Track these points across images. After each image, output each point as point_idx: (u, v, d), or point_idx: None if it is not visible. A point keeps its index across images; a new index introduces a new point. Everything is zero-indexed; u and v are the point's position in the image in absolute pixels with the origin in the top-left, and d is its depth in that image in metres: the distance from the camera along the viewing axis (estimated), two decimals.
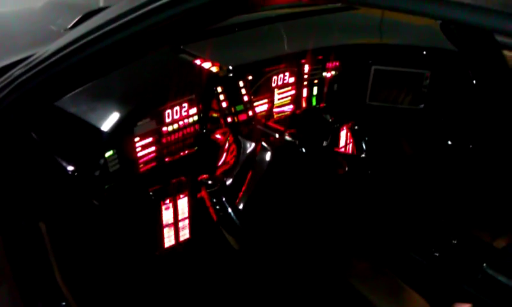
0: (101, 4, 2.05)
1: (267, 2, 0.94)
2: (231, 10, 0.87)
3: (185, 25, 0.95)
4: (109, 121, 1.17)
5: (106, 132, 1.14)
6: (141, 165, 1.24)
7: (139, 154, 1.23)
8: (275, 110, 1.52)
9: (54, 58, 1.04)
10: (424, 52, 1.61)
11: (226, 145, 1.35)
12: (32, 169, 1.19)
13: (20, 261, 1.23)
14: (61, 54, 1.03)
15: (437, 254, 1.47)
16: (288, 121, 1.52)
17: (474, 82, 1.61)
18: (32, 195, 1.22)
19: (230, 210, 1.19)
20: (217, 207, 1.19)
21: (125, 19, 0.92)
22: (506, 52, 1.59)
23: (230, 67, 1.37)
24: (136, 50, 1.06)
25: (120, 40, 0.98)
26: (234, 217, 1.19)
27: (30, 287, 1.26)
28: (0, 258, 1.22)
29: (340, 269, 1.50)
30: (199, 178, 1.28)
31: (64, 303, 1.32)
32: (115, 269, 1.34)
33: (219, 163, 1.35)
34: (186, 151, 1.32)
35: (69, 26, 1.56)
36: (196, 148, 1.34)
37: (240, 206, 1.20)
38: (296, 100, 1.55)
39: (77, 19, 1.57)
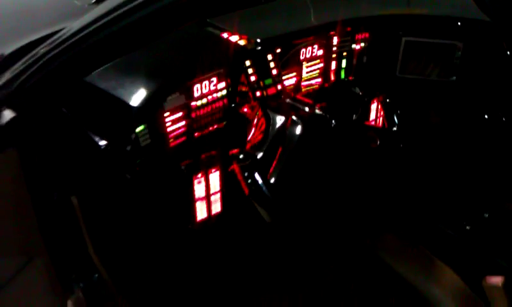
0: None
1: None
2: None
3: None
4: (139, 96, 1.20)
5: (136, 107, 1.17)
6: (171, 140, 1.27)
7: (169, 129, 1.26)
8: (303, 83, 1.54)
9: (80, 34, 1.06)
10: (458, 23, 1.59)
11: (255, 119, 1.37)
12: (63, 144, 1.23)
13: (53, 234, 1.29)
14: (88, 30, 1.06)
15: (468, 228, 1.49)
16: (317, 94, 1.54)
17: (508, 53, 1.58)
18: (64, 170, 1.26)
19: (261, 183, 1.21)
20: (249, 181, 1.21)
21: None
22: None
23: (258, 40, 1.37)
24: (165, 25, 1.08)
25: (149, 14, 1.00)
26: (266, 191, 1.21)
27: (63, 260, 1.32)
28: (34, 232, 1.27)
29: (369, 242, 1.53)
30: (230, 153, 1.30)
31: (97, 275, 1.38)
32: (147, 243, 1.39)
33: (249, 137, 1.37)
34: (215, 126, 1.35)
35: (93, 1, 1.57)
36: (225, 122, 1.37)
37: (272, 180, 1.22)
38: (325, 72, 1.57)
39: None
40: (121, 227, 1.35)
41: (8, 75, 1.17)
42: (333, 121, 1.32)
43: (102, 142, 1.14)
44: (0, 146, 1.17)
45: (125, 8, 1.02)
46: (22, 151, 1.18)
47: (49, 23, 1.38)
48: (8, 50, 1.28)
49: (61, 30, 1.18)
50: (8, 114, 1.16)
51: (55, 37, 1.12)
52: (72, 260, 1.37)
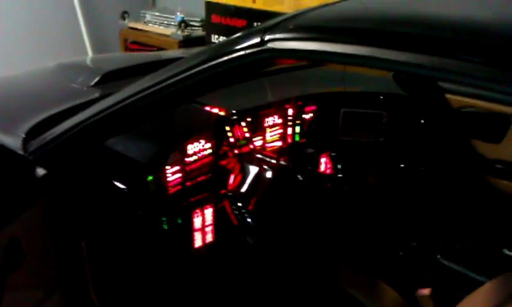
0: (92, 65, 2.25)
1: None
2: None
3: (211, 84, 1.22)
4: (149, 153, 1.46)
5: (147, 162, 1.44)
6: (170, 187, 1.51)
7: (169, 179, 1.50)
8: (268, 145, 1.77)
9: (96, 118, 1.28)
10: (381, 97, 1.88)
11: (235, 170, 1.63)
12: (84, 193, 1.44)
13: (66, 274, 1.46)
14: (102, 114, 1.28)
15: (401, 253, 1.71)
16: (278, 153, 1.76)
17: (422, 120, 1.88)
18: (79, 217, 1.46)
19: (245, 212, 1.50)
20: (236, 212, 1.51)
21: (164, 84, 1.17)
22: (448, 95, 1.85)
23: (234, 111, 1.63)
24: (164, 108, 1.32)
25: (152, 102, 1.23)
26: (249, 219, 1.50)
27: (71, 299, 1.48)
28: (53, 271, 1.45)
29: (328, 269, 1.72)
30: (221, 192, 1.58)
31: None
32: (147, 279, 1.56)
33: (230, 182, 1.62)
34: (203, 177, 1.57)
35: (91, 84, 1.77)
36: (211, 174, 1.59)
37: (253, 210, 1.50)
38: (283, 136, 1.81)
39: (98, 78, 1.80)
40: (121, 264, 1.52)
41: (40, 141, 1.40)
42: (294, 170, 1.59)
43: (123, 186, 1.39)
44: (35, 198, 1.38)
45: (134, 98, 1.23)
46: (49, 201, 1.39)
47: (55, 103, 1.56)
48: (30, 122, 1.48)
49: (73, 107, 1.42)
50: (41, 171, 1.38)
51: (79, 114, 1.34)
52: (77, 298, 1.52)
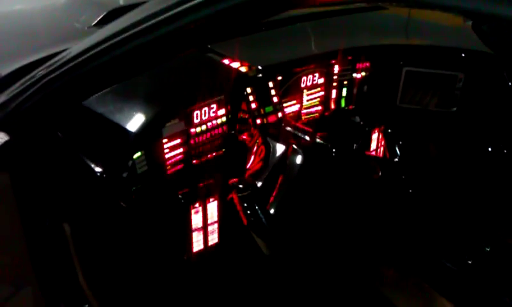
0: (121, 2, 2.08)
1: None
2: (272, 8, 0.86)
3: (219, 24, 0.93)
4: (137, 122, 1.18)
5: (134, 133, 1.15)
6: (169, 167, 1.24)
7: (167, 156, 1.24)
8: (304, 111, 1.54)
9: (80, 58, 1.04)
10: (460, 54, 1.61)
11: (255, 147, 1.36)
12: (58, 169, 1.20)
13: (43, 262, 1.26)
14: (88, 54, 1.03)
15: (470, 262, 1.46)
16: (317, 123, 1.54)
17: (510, 85, 1.59)
18: (57, 195, 1.23)
19: (261, 214, 1.18)
20: (248, 212, 1.19)
21: (157, 19, 0.92)
22: None
23: (260, 67, 1.37)
24: (167, 51, 1.06)
25: (150, 41, 0.98)
26: (265, 222, 1.18)
27: (52, 289, 1.29)
28: (24, 259, 1.24)
29: (369, 276, 1.51)
30: (230, 182, 1.27)
31: (87, 305, 1.34)
32: (141, 273, 1.36)
33: (248, 165, 1.35)
34: (214, 153, 1.33)
35: (93, 23, 1.60)
36: (224, 149, 1.35)
37: (272, 211, 1.20)
38: (325, 101, 1.57)
39: (101, 17, 1.61)
40: (114, 256, 1.31)
41: (3, 97, 1.16)
42: (334, 151, 1.30)
43: (98, 169, 1.11)
44: None
45: (126, 34, 1.00)
46: (14, 175, 1.15)
47: (49, 44, 1.39)
48: (5, 71, 1.27)
49: (60, 52, 1.18)
50: (1, 138, 1.15)
51: (54, 60, 1.10)
52: (61, 290, 1.33)
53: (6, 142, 1.14)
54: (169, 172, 1.25)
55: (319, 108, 1.57)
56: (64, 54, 1.08)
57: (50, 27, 1.74)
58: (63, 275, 1.30)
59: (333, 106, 1.59)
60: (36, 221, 1.23)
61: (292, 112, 1.51)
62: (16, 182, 1.16)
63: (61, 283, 1.32)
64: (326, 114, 1.59)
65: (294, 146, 1.27)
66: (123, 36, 0.99)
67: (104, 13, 1.61)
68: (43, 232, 1.25)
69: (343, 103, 1.61)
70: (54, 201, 1.24)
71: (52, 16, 1.85)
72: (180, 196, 1.28)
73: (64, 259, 1.28)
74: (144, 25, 0.95)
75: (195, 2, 0.84)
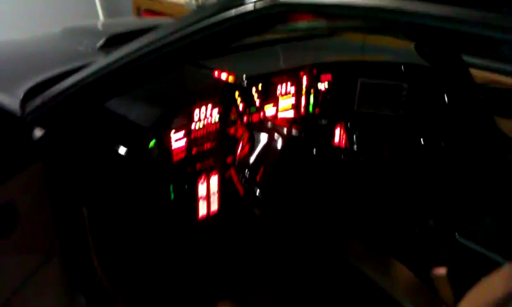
0: (100, 28, 2.23)
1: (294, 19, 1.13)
2: (264, 26, 1.06)
3: (218, 42, 1.15)
4: (152, 117, 1.39)
5: (150, 125, 1.37)
6: (174, 155, 1.45)
7: (173, 146, 1.42)
8: (279, 114, 1.70)
9: (99, 74, 1.24)
10: (402, 67, 1.78)
11: (243, 139, 1.56)
12: (84, 157, 1.40)
13: (66, 240, 1.43)
14: (105, 71, 1.23)
15: (417, 231, 1.65)
16: (290, 123, 1.65)
17: (444, 92, 1.77)
18: (80, 182, 1.42)
19: (253, 183, 1.42)
20: (243, 181, 1.43)
21: (164, 41, 1.12)
22: (472, 70, 1.74)
23: (244, 77, 1.57)
24: (167, 66, 1.27)
25: (155, 58, 1.17)
26: (257, 190, 1.42)
27: (72, 263, 1.46)
28: (52, 235, 1.41)
29: (340, 248, 1.67)
30: (228, 161, 1.51)
31: (97, 277, 1.50)
32: (147, 244, 1.52)
33: (237, 153, 1.55)
34: (209, 145, 1.51)
35: (97, 47, 1.75)
36: (217, 142, 1.53)
37: (261, 181, 1.42)
38: (296, 106, 1.74)
39: (104, 40, 1.77)
40: (124, 230, 1.48)
41: (39, 100, 1.35)
42: (307, 140, 1.50)
43: (123, 150, 1.33)
44: (32, 159, 1.33)
45: (136, 55, 1.17)
46: (47, 164, 1.34)
47: (61, 63, 1.53)
48: (31, 82, 1.43)
49: (81, 67, 1.36)
50: (38, 132, 1.34)
51: (78, 73, 1.29)
52: (77, 263, 1.50)
53: (42, 136, 1.33)
54: (174, 159, 1.45)
55: (292, 112, 1.73)
56: (87, 69, 1.28)
57: (56, 51, 1.82)
58: (79, 250, 1.47)
59: (302, 110, 1.75)
60: (61, 205, 1.40)
61: (271, 114, 1.67)
62: (48, 170, 1.34)
63: (78, 256, 1.48)
64: (297, 117, 1.74)
65: (275, 134, 1.48)
66: (132, 57, 1.18)
67: (105, 38, 1.78)
68: (66, 214, 1.42)
69: (311, 109, 1.77)
70: (76, 188, 1.41)
71: (54, 43, 1.94)
72: (190, 171, 1.47)
73: (81, 236, 1.45)
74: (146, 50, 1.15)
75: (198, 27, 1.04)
